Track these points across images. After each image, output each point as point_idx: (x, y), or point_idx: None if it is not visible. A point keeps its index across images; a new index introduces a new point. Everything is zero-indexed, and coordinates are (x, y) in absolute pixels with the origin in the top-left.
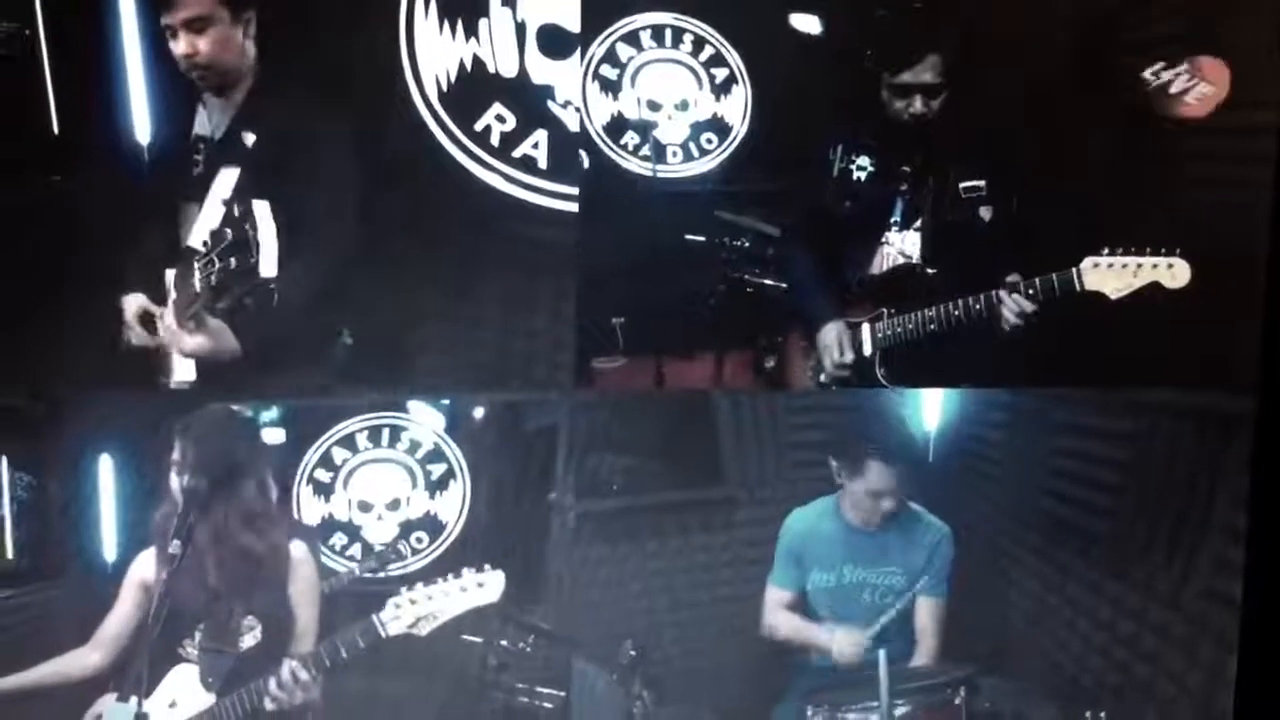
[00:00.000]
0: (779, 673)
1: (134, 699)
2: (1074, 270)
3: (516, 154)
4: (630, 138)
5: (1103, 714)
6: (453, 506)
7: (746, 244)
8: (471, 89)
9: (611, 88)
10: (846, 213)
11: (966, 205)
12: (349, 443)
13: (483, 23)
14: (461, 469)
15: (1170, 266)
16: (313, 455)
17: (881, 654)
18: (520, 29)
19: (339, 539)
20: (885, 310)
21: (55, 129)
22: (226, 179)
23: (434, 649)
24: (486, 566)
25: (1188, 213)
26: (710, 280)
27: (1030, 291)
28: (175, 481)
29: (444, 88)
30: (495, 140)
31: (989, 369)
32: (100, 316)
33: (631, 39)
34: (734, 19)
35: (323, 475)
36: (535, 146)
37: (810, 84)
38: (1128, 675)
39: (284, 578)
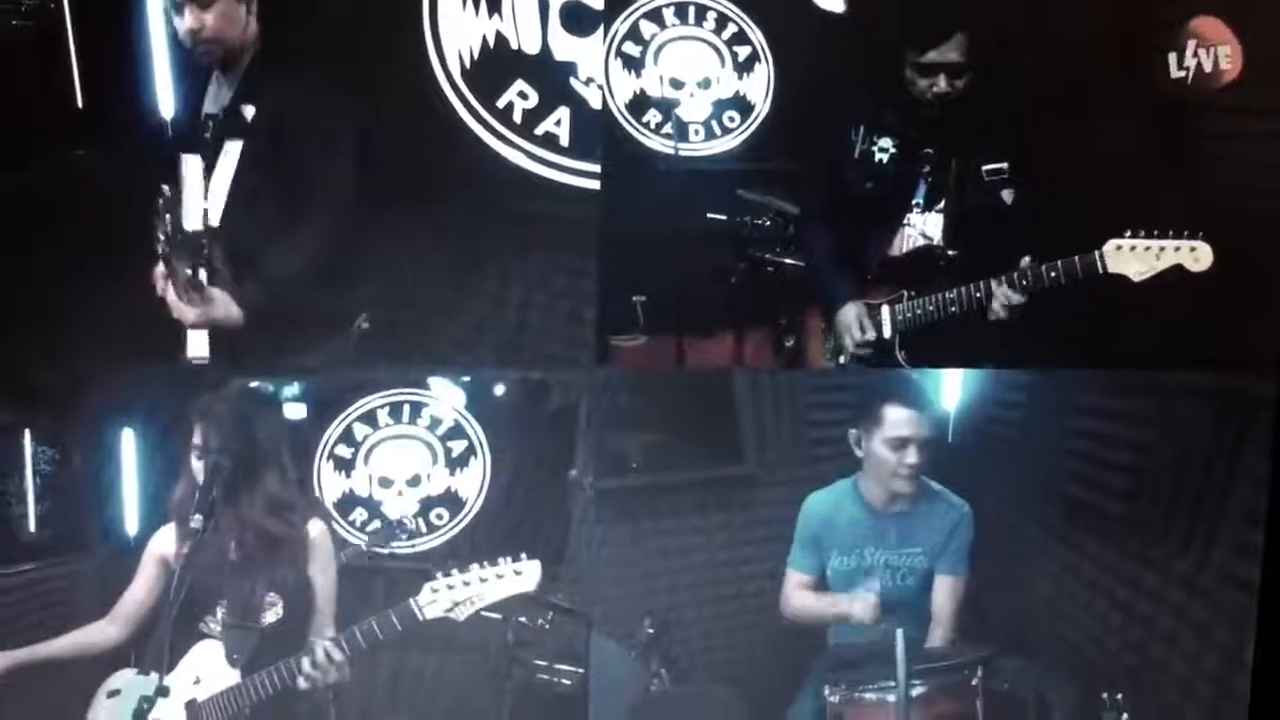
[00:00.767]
0: (797, 651)
1: (155, 673)
2: (1096, 253)
3: (539, 131)
4: (653, 115)
5: (1119, 695)
6: (473, 483)
7: (767, 223)
8: (494, 65)
9: (634, 65)
10: (868, 194)
11: (989, 188)
12: (370, 419)
13: None
14: (482, 446)
15: (1193, 249)
16: (334, 431)
17: (899, 634)
18: (543, 5)
19: (359, 514)
20: (905, 292)
21: (79, 101)
22: (231, 153)
23: (454, 626)
24: (523, 555)
25: (1211, 195)
26: (731, 259)
27: (1024, 282)
28: (196, 464)
29: (466, 64)
30: (517, 117)
31: (1009, 351)
32: (122, 290)
33: (655, 16)
34: None
35: (344, 451)
36: (557, 124)
37: (833, 62)
38: (1145, 657)
39: (304, 555)
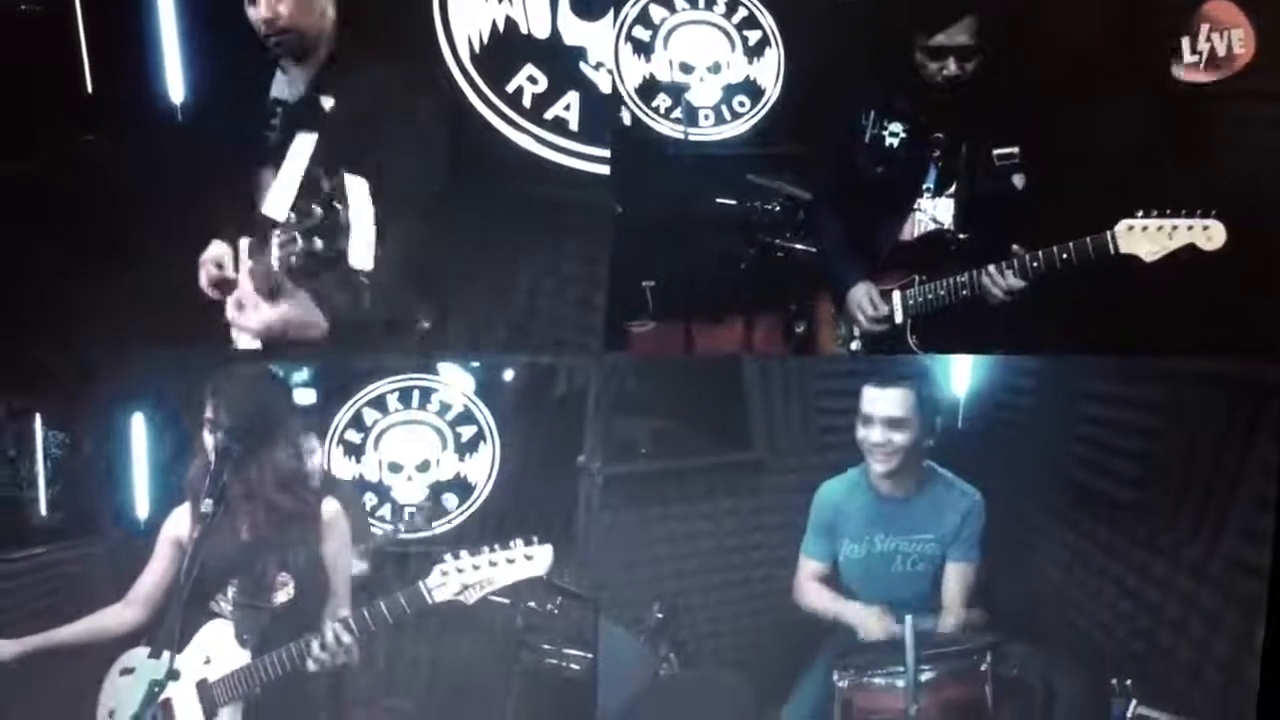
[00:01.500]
0: (805, 636)
1: (166, 654)
2: (1108, 233)
3: (548, 116)
4: (662, 100)
5: (1129, 681)
6: (482, 468)
7: (777, 208)
8: (503, 50)
9: (644, 49)
10: (878, 178)
11: (1000, 172)
12: (379, 404)
13: None
14: (491, 431)
15: (1206, 228)
16: (344, 416)
17: (909, 620)
18: None
19: (369, 499)
20: (916, 277)
21: (89, 86)
22: (303, 145)
23: (463, 610)
24: (535, 539)
25: (1224, 180)
26: (741, 244)
27: (1036, 264)
28: (208, 440)
29: (476, 49)
30: (527, 102)
31: (1019, 336)
32: (139, 277)
33: (664, 0)
34: None
35: (353, 436)
36: (567, 108)
37: (843, 47)
38: (1154, 643)
39: (316, 535)
